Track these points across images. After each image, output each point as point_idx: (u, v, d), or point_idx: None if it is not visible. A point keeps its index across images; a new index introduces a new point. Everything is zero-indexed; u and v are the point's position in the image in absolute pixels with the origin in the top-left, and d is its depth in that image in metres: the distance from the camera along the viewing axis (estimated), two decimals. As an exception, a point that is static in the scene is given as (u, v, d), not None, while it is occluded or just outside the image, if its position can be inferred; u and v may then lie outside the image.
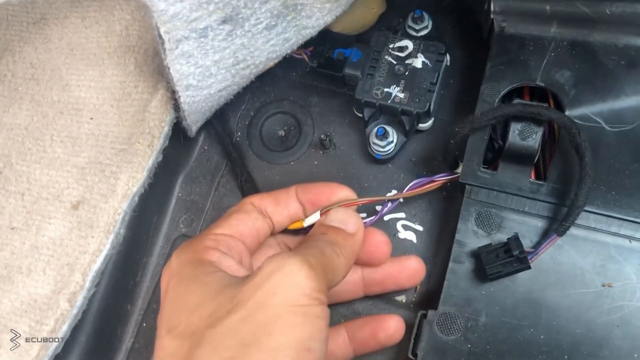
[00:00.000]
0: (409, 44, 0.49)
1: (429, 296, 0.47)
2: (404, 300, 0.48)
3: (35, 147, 0.49)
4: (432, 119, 0.50)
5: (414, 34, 0.50)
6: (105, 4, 0.51)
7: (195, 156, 0.55)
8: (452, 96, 0.51)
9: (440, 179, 0.45)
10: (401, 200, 0.46)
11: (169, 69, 0.43)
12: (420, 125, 0.50)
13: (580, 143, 0.40)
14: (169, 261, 0.39)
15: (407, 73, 0.48)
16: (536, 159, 0.44)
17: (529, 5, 0.45)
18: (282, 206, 0.43)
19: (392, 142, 0.49)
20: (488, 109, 0.44)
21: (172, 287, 0.37)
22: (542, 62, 0.45)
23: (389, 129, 0.49)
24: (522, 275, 0.42)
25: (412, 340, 0.43)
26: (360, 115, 0.50)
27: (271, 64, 0.49)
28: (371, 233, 0.44)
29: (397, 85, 0.48)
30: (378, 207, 0.49)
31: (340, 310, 0.48)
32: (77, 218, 0.46)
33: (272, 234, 0.44)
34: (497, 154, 0.46)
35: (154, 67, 0.49)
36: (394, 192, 0.50)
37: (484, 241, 0.43)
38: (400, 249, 0.49)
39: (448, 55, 0.50)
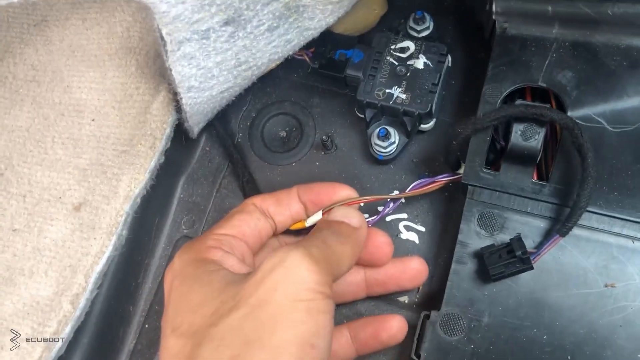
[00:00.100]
0: (410, 45, 0.49)
1: (431, 297, 0.47)
2: (406, 301, 0.47)
3: (36, 149, 0.49)
4: (434, 119, 0.50)
5: (415, 34, 0.50)
6: (107, 5, 0.51)
7: (197, 157, 0.54)
8: (453, 97, 0.51)
9: (443, 179, 0.45)
10: (403, 200, 0.46)
11: (170, 70, 0.43)
12: (422, 126, 0.50)
13: (583, 144, 0.40)
14: (172, 262, 0.39)
15: (408, 74, 0.48)
16: (538, 159, 0.44)
17: (531, 6, 0.45)
18: (284, 206, 0.43)
19: (393, 142, 0.49)
20: (490, 109, 0.44)
21: (176, 288, 0.37)
22: (544, 62, 0.45)
23: (390, 129, 0.48)
24: (524, 275, 0.42)
25: (415, 341, 0.43)
26: (362, 116, 0.50)
27: (273, 65, 0.49)
28: (373, 234, 0.44)
29: (399, 86, 0.48)
30: (380, 208, 0.49)
31: (343, 311, 0.47)
32: (79, 220, 0.46)
33: (275, 234, 0.44)
34: (499, 154, 0.46)
35: (156, 68, 0.49)
36: (396, 192, 0.50)
37: (487, 242, 0.43)
38: (402, 249, 0.49)
39: (450, 56, 0.50)
